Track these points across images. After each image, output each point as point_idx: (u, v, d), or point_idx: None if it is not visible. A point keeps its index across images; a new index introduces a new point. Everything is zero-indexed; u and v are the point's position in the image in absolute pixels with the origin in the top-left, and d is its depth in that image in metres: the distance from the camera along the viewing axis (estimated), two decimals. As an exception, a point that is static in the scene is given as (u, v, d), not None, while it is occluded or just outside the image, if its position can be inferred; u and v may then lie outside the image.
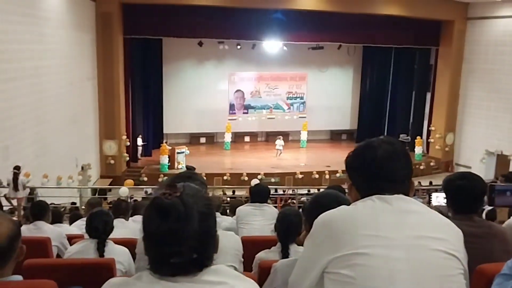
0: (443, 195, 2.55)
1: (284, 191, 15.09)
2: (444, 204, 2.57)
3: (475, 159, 20.15)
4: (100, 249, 3.06)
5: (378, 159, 1.52)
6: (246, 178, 17.34)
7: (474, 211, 2.36)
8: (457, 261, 1.43)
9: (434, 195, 3.04)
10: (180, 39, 19.50)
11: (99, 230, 3.11)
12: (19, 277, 1.75)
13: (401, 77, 23.27)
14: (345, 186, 2.02)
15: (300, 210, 3.85)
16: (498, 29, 19.14)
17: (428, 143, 21.77)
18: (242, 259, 2.18)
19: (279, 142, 21.00)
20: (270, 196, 14.49)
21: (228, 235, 2.18)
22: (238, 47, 21.11)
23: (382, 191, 1.49)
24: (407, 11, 18.83)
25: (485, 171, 19.46)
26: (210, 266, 1.20)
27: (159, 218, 1.13)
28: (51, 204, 9.45)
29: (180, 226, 1.12)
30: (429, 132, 21.70)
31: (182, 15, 17.72)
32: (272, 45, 21.03)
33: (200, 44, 20.23)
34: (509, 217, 3.11)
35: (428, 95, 21.99)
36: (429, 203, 5.05)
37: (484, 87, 19.84)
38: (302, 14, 18.48)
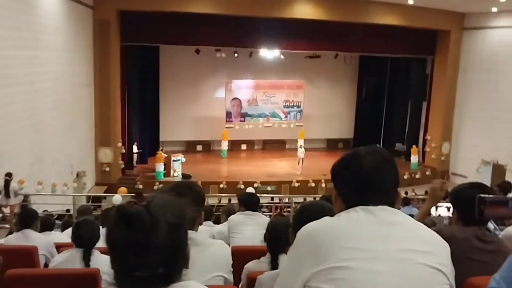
0: (444, 205, 2.51)
1: (280, 200, 15.05)
2: (443, 215, 2.54)
3: (471, 169, 20.14)
4: (86, 258, 2.98)
5: (364, 169, 1.48)
6: (243, 186, 17.28)
7: (485, 222, 2.32)
8: (443, 276, 1.38)
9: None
10: (177, 46, 19.52)
11: (84, 239, 3.04)
12: None
13: (397, 86, 23.35)
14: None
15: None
16: (494, 39, 19.25)
17: (424, 152, 21.77)
18: (232, 269, 2.15)
19: (300, 150, 20.61)
20: (266, 204, 14.52)
21: (218, 244, 2.15)
22: (235, 55, 21.14)
23: (367, 202, 1.44)
24: (403, 21, 18.92)
25: (481, 181, 19.42)
26: (179, 282, 1.15)
27: (123, 227, 1.07)
28: (44, 211, 9.42)
29: (145, 236, 1.06)
30: (425, 141, 21.72)
31: (179, 23, 17.74)
32: (269, 53, 21.09)
33: (197, 51, 20.25)
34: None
35: (424, 104, 22.03)
36: (429, 214, 5.01)
37: (480, 96, 19.90)
38: (299, 23, 18.53)
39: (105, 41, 16.61)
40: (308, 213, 1.95)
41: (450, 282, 1.41)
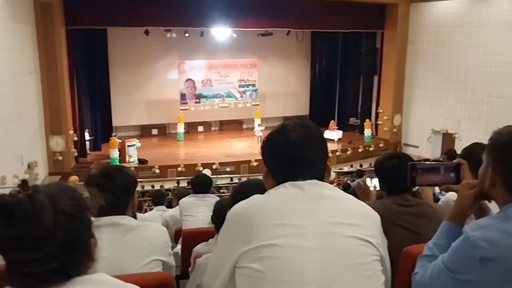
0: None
1: (239, 180, 15.11)
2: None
3: (422, 139, 20.85)
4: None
5: (291, 144, 1.47)
6: (201, 169, 17.19)
7: (406, 190, 2.38)
8: (372, 247, 1.37)
9: (374, 180, 3.06)
10: (126, 28, 18.94)
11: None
12: None
13: (349, 62, 23.66)
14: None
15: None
16: (439, 11, 19.75)
17: (377, 125, 22.30)
18: (171, 252, 2.10)
19: (259, 128, 20.98)
20: (226, 185, 14.55)
21: (153, 227, 2.08)
22: (186, 35, 20.71)
23: (296, 177, 1.43)
24: (352, -4, 19.10)
25: (432, 150, 20.19)
26: (82, 276, 1.06)
27: (3, 220, 0.97)
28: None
29: (28, 229, 0.96)
30: (377, 114, 22.22)
31: (126, 4, 17.15)
32: (221, 32, 20.82)
33: (147, 32, 19.71)
34: (435, 199, 3.17)
35: (376, 78, 22.47)
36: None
37: (428, 68, 20.47)
38: (251, 1, 18.36)
39: (48, 25, 15.91)
40: (244, 191, 1.93)
41: (381, 253, 1.40)
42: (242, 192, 1.94)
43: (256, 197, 1.45)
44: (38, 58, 16.01)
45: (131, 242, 1.90)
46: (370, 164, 16.46)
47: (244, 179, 14.83)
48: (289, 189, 1.41)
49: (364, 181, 2.65)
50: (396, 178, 2.31)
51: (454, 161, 1.70)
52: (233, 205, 1.48)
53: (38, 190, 1.03)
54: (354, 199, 1.49)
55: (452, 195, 3.05)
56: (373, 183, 2.87)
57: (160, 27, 19.38)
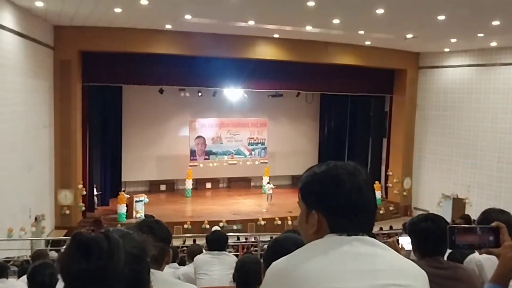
0: (409, 239, 2.51)
1: (246, 239, 14.87)
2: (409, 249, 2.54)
3: (432, 203, 20.61)
4: (46, 305, 2.83)
5: (361, 187, 1.33)
6: (208, 226, 17.01)
7: (440, 253, 2.34)
8: None
9: (401, 239, 3.02)
10: (141, 86, 19.47)
11: (46, 283, 2.87)
12: None
13: (358, 124, 23.94)
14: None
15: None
16: (447, 78, 20.17)
17: (386, 188, 22.17)
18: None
19: (269, 186, 20.99)
20: (233, 244, 14.32)
21: (185, 286, 2.05)
22: (199, 94, 21.26)
23: (356, 227, 1.32)
24: (362, 61, 19.61)
25: (443, 215, 19.67)
26: None
27: (80, 255, 0.99)
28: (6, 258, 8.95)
29: (103, 265, 0.98)
30: (387, 177, 22.16)
31: (142, 63, 17.73)
32: (233, 92, 21.34)
33: (161, 91, 20.24)
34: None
35: (385, 141, 22.61)
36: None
37: (437, 132, 20.62)
38: (262, 63, 18.90)
39: (66, 81, 16.38)
40: (282, 247, 1.87)
41: None
42: (279, 248, 1.88)
43: (298, 254, 1.34)
44: (53, 112, 16.36)
45: None
46: (381, 228, 16.19)
47: (252, 238, 14.58)
48: (340, 246, 1.30)
49: (395, 241, 2.61)
50: (431, 240, 2.29)
51: (493, 224, 1.69)
52: (268, 261, 1.43)
53: (109, 230, 1.05)
54: (402, 257, 1.43)
55: (476, 257, 2.99)
56: (400, 243, 2.83)
57: (174, 86, 19.90)
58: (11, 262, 9.23)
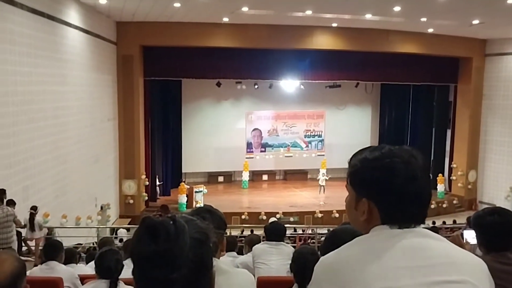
0: (473, 233, 2.41)
1: (303, 231, 14.83)
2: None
3: (499, 197, 19.62)
4: (113, 288, 2.95)
5: (416, 175, 1.24)
6: (265, 217, 17.14)
7: (507, 248, 2.23)
8: None
9: (465, 233, 2.90)
10: (199, 80, 19.83)
11: (112, 269, 2.99)
12: None
13: (420, 114, 23.13)
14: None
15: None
16: (517, 65, 19.05)
17: (450, 181, 21.34)
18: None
19: (322, 178, 20.63)
20: (289, 236, 14.32)
21: (243, 273, 2.06)
22: (256, 86, 21.35)
23: (410, 218, 1.25)
24: (424, 49, 18.90)
25: (510, 209, 18.89)
26: None
27: (148, 238, 1.04)
28: (77, 244, 9.46)
29: (171, 248, 1.03)
30: (451, 169, 21.32)
31: (200, 57, 18.07)
32: (289, 84, 21.22)
33: (218, 84, 20.52)
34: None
35: (449, 132, 21.74)
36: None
37: (505, 123, 19.57)
38: (319, 53, 18.69)
39: (128, 76, 16.99)
40: (339, 238, 1.85)
41: None
42: (337, 240, 1.85)
43: (349, 247, 1.27)
44: (117, 106, 17.02)
45: (222, 285, 1.88)
46: (444, 222, 15.62)
47: (309, 230, 14.52)
48: (391, 240, 1.23)
49: (460, 235, 2.50)
50: (498, 234, 2.18)
51: None
52: (326, 253, 1.40)
53: (175, 215, 1.10)
54: (458, 248, 1.32)
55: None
56: (464, 237, 2.71)
57: (231, 79, 20.11)
58: (79, 249, 9.72)
